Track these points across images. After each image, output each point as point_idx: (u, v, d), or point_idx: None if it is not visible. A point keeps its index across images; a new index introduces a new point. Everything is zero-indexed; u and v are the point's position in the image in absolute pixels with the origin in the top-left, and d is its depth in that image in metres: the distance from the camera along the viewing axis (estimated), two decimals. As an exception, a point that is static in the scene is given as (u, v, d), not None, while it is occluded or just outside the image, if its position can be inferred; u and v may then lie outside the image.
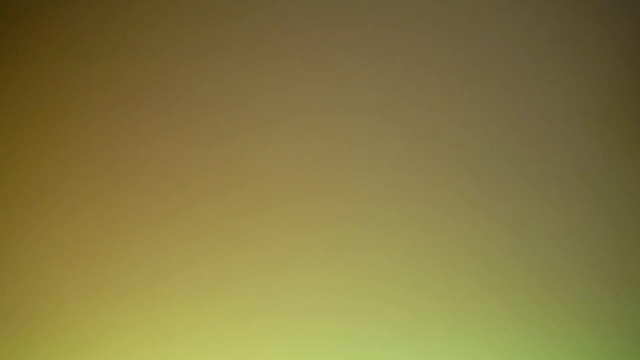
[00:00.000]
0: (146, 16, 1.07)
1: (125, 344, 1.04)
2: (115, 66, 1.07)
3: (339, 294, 1.03)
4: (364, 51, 1.05)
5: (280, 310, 1.04)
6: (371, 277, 1.03)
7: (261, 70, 1.06)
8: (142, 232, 1.06)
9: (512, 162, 1.04)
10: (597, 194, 1.02)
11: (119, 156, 1.07)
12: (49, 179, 1.07)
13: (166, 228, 1.06)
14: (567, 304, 1.01)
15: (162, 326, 1.05)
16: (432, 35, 1.05)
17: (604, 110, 1.03)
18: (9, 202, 1.07)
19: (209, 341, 1.05)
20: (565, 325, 1.01)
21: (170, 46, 1.07)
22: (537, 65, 1.04)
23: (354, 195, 1.05)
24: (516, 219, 1.03)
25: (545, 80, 1.04)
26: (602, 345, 1.00)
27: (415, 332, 1.03)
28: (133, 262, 1.05)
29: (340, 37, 1.05)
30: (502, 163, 1.04)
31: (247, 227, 1.05)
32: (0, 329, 1.05)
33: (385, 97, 1.05)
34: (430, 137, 1.04)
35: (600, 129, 1.03)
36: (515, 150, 1.04)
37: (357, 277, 1.03)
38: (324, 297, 1.04)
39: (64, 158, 1.07)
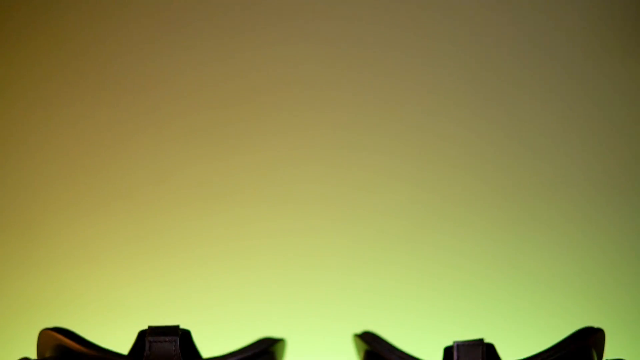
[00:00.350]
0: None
1: (122, 247, 1.04)
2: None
3: (339, 202, 1.03)
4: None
5: (281, 216, 1.03)
6: (373, 181, 1.03)
7: None
8: (142, 136, 1.05)
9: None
10: (598, 104, 1.02)
11: (124, 65, 1.06)
12: (52, 79, 1.06)
13: (166, 133, 1.05)
14: (566, 210, 1.01)
15: (160, 229, 1.04)
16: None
17: None
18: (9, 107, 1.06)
19: (208, 244, 1.04)
20: (564, 230, 1.01)
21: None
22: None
23: (356, 92, 1.05)
24: (518, 125, 1.03)
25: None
26: (601, 249, 1.00)
27: (416, 236, 1.02)
28: (131, 166, 1.05)
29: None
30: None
31: (247, 132, 1.04)
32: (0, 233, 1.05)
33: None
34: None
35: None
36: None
37: (358, 184, 1.03)
38: (323, 199, 1.03)
39: (69, 67, 1.06)
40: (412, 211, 1.04)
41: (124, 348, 0.71)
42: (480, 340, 0.70)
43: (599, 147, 1.05)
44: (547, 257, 1.03)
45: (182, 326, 0.70)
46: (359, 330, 0.74)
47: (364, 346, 0.73)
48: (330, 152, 1.05)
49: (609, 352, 0.72)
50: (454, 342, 0.70)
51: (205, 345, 0.73)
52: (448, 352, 0.70)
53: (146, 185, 1.06)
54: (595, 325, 0.71)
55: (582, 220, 1.04)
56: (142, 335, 0.69)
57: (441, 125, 1.05)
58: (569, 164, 1.05)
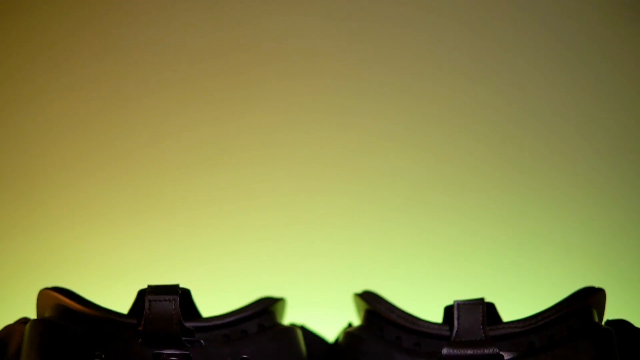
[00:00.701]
0: None
1: (121, 208, 1.04)
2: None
3: (340, 164, 1.03)
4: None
5: (282, 178, 1.03)
6: (374, 144, 1.03)
7: None
8: (142, 98, 1.05)
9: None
10: (598, 66, 1.02)
11: (128, 28, 1.05)
12: (56, 43, 1.06)
13: (167, 95, 1.05)
14: (567, 171, 1.01)
15: (159, 190, 1.04)
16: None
17: None
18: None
19: (209, 205, 1.04)
20: (565, 191, 1.01)
21: None
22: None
23: (357, 58, 1.04)
24: (518, 88, 1.03)
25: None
26: (602, 210, 1.00)
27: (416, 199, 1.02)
28: (131, 128, 1.04)
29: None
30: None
31: (248, 96, 1.04)
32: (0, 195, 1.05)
33: None
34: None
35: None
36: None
37: (359, 147, 1.03)
38: (324, 162, 1.03)
39: (73, 30, 1.06)
40: (413, 173, 1.04)
41: (124, 307, 0.71)
42: (481, 300, 0.70)
43: (598, 109, 1.04)
44: (547, 218, 1.03)
45: (181, 285, 0.70)
46: (360, 289, 0.74)
47: (364, 305, 0.73)
48: (332, 117, 1.05)
49: (609, 312, 0.72)
50: (455, 302, 0.70)
51: (205, 304, 0.73)
52: (448, 312, 0.70)
53: (146, 146, 1.06)
54: (596, 285, 0.71)
55: (582, 181, 1.03)
56: (142, 295, 0.69)
57: (442, 89, 1.05)
58: (569, 126, 1.04)
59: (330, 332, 0.78)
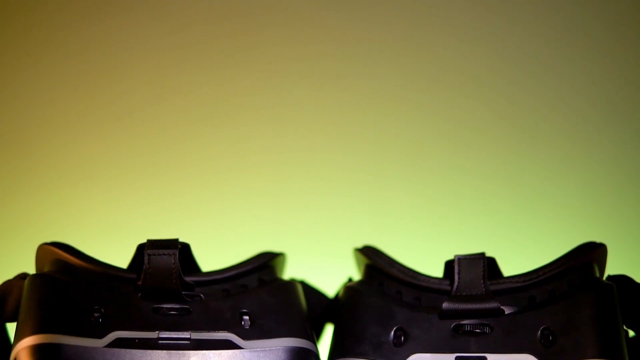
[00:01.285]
0: None
1: (121, 165, 1.04)
2: None
3: (341, 122, 1.03)
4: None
5: (283, 135, 1.03)
6: (375, 103, 1.02)
7: None
8: (141, 54, 1.05)
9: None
10: (597, 20, 1.01)
11: None
12: None
13: (166, 52, 1.04)
14: (567, 129, 1.01)
15: (158, 147, 1.04)
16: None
17: None
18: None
19: (208, 162, 1.04)
20: (565, 149, 1.01)
21: None
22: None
23: (357, 17, 1.04)
24: (517, 45, 1.03)
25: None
26: (602, 167, 1.00)
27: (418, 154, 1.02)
28: (131, 84, 1.04)
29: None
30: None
31: (250, 53, 1.03)
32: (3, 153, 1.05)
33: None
34: None
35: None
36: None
37: (360, 106, 1.03)
38: (326, 120, 1.03)
39: None
40: (413, 131, 1.03)
41: (124, 264, 0.70)
42: (482, 254, 0.69)
43: (598, 65, 1.04)
44: (547, 175, 1.03)
45: (181, 240, 0.69)
46: (360, 244, 0.74)
47: (364, 260, 0.73)
48: (333, 74, 1.05)
49: (610, 268, 0.72)
50: (455, 256, 0.69)
51: (204, 259, 0.73)
52: (449, 266, 0.70)
53: (146, 103, 1.05)
54: (598, 241, 0.71)
55: (582, 139, 1.03)
56: (141, 249, 0.69)
57: (441, 46, 1.04)
58: (568, 82, 1.04)
59: (330, 287, 0.77)
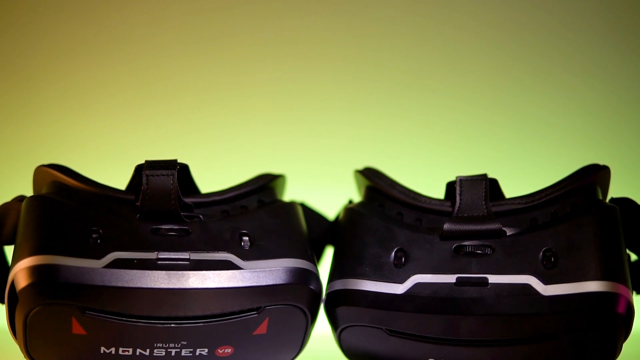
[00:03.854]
0: None
1: (120, 91, 1.03)
2: None
3: (343, 45, 1.02)
4: None
5: (283, 59, 1.02)
6: (376, 28, 1.02)
7: None
8: None
9: None
10: None
11: None
12: None
13: None
14: (567, 54, 1.01)
15: (158, 72, 1.03)
16: None
17: None
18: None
19: (210, 87, 1.04)
20: (564, 73, 1.01)
21: None
22: None
23: None
24: None
25: None
26: (603, 91, 1.00)
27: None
28: (130, 10, 1.03)
29: None
30: None
31: None
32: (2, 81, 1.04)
33: None
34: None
35: None
36: None
37: (360, 30, 1.02)
38: (327, 44, 1.02)
39: None
40: (415, 57, 1.03)
41: (122, 185, 0.70)
42: (484, 175, 0.69)
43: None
44: (548, 100, 1.02)
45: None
46: (361, 166, 0.73)
47: (365, 182, 0.72)
48: (331, 4, 1.04)
49: (613, 191, 0.71)
50: (457, 177, 0.69)
51: (204, 181, 0.72)
52: (451, 187, 0.69)
53: (145, 28, 1.04)
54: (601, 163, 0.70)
55: (582, 64, 1.02)
56: (140, 170, 0.68)
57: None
58: (570, 10, 1.03)
59: (330, 211, 0.77)
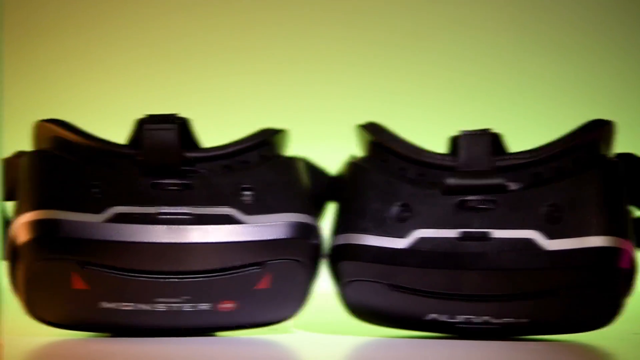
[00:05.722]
0: None
1: (121, 49, 1.03)
2: None
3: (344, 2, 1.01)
4: None
5: (284, 16, 1.02)
6: None
7: None
8: None
9: None
10: None
11: None
12: None
13: None
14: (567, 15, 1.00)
15: (159, 33, 1.02)
16: None
17: None
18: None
19: (211, 44, 1.03)
20: (566, 33, 1.00)
21: None
22: None
23: None
24: None
25: None
26: (606, 49, 0.99)
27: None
28: None
29: None
30: None
31: None
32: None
33: None
34: None
35: None
36: None
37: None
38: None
39: None
40: (418, 12, 1.02)
41: (124, 141, 0.69)
42: (487, 130, 0.68)
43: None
44: (553, 55, 1.02)
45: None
46: (363, 121, 0.73)
47: (367, 137, 0.71)
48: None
49: (619, 146, 0.71)
50: (461, 131, 0.68)
51: (205, 135, 0.72)
52: (454, 142, 0.69)
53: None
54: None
55: (585, 18, 1.01)
56: (140, 124, 0.68)
57: None
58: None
59: (332, 165, 0.76)
